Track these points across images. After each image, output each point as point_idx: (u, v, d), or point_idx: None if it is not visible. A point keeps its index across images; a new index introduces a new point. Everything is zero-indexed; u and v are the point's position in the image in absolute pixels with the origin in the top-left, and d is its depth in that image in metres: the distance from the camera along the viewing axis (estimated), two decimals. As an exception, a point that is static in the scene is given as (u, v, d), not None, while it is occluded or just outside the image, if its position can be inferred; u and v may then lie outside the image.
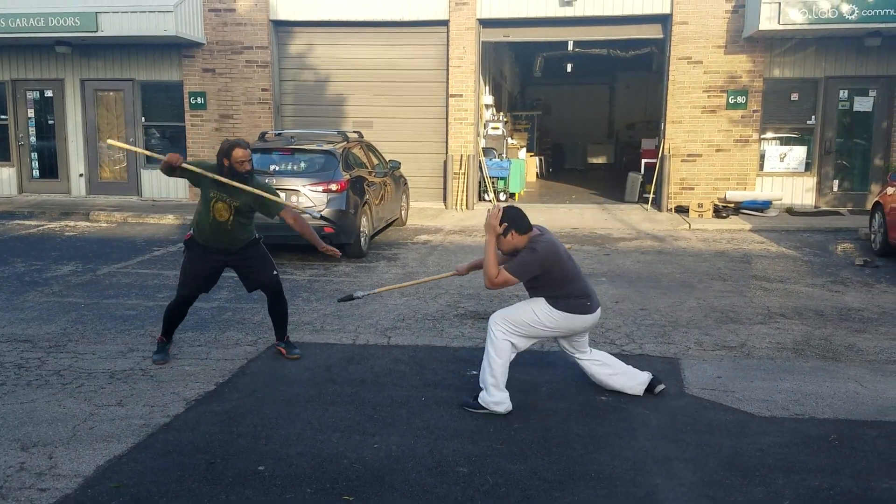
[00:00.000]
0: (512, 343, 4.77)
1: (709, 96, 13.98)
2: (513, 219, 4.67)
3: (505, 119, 17.81)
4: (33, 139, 16.21)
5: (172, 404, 4.86)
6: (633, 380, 5.04)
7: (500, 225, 4.62)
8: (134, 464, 4.04)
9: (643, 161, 15.76)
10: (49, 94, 15.97)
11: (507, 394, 4.76)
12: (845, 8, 12.28)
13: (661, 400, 4.97)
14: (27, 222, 13.19)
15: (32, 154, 16.27)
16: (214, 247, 5.56)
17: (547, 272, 4.69)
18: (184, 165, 5.33)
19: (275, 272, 5.75)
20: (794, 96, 14.10)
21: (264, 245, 5.81)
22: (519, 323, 4.75)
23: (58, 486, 3.78)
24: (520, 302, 4.92)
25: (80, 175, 16.04)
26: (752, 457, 4.15)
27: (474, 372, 5.47)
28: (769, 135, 14.29)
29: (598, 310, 4.89)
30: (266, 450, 4.21)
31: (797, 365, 5.71)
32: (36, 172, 16.32)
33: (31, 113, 16.12)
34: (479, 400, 4.77)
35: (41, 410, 4.75)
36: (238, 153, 5.33)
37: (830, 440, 4.37)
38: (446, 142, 14.86)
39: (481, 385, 4.80)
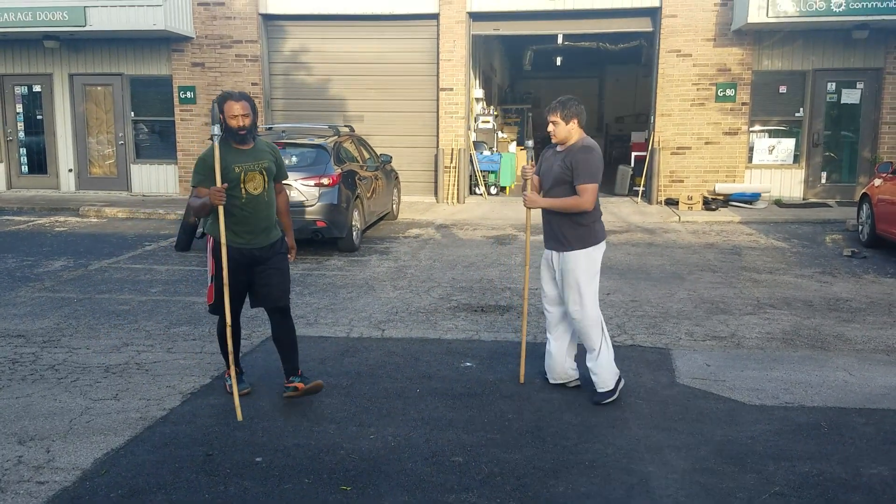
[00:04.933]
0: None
1: (698, 89, 14.05)
2: (580, 111, 4.71)
3: (495, 113, 17.82)
4: (21, 135, 16.13)
5: (168, 398, 4.88)
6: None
7: (566, 110, 4.65)
8: (131, 456, 4.06)
9: (633, 154, 15.82)
10: (37, 89, 15.88)
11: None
12: (833, 0, 12.36)
13: (653, 389, 5.03)
14: (16, 218, 13.13)
15: (21, 150, 16.19)
16: (249, 241, 4.68)
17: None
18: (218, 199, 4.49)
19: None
20: (783, 89, 14.19)
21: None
22: (593, 285, 4.79)
23: (56, 479, 3.80)
24: (566, 285, 4.79)
25: (70, 170, 15.97)
26: (743, 444, 4.21)
27: (468, 363, 5.52)
28: (758, 127, 14.38)
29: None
30: (263, 441, 4.24)
31: (787, 354, 5.78)
32: (24, 168, 16.25)
33: (19, 108, 16.04)
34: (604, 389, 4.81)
35: (37, 405, 4.76)
36: (230, 107, 4.56)
37: (820, 428, 4.44)
38: (437, 135, 14.89)
39: (598, 367, 4.81)
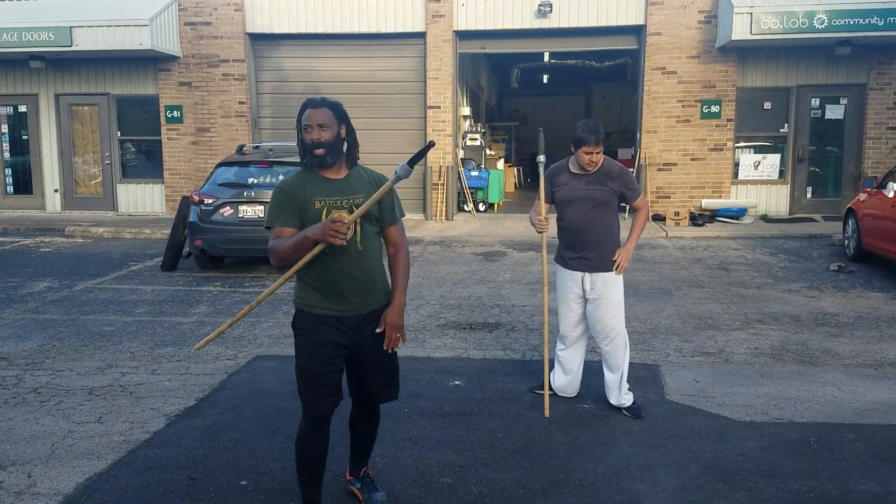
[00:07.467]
0: None
1: (683, 106, 14.16)
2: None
3: (483, 130, 17.89)
4: (7, 155, 16.05)
5: (152, 420, 4.82)
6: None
7: (601, 136, 4.73)
8: (115, 481, 3.99)
9: (620, 170, 15.87)
10: (23, 109, 15.82)
11: None
12: (816, 17, 12.52)
13: (642, 406, 5.00)
14: (1, 239, 13.01)
15: (6, 170, 16.10)
16: (336, 308, 3.34)
17: None
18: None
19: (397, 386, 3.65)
20: (767, 105, 14.31)
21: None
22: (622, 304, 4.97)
23: (37, 505, 3.74)
24: (598, 305, 4.88)
25: (55, 190, 15.89)
26: (733, 461, 4.19)
27: (457, 382, 5.48)
28: (743, 143, 14.48)
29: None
30: (248, 464, 4.18)
31: (775, 370, 5.78)
32: (10, 188, 16.15)
33: (4, 128, 15.97)
34: (631, 400, 4.95)
35: (19, 428, 4.69)
36: (306, 116, 3.31)
37: (809, 444, 4.42)
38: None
39: (624, 387, 4.94)
